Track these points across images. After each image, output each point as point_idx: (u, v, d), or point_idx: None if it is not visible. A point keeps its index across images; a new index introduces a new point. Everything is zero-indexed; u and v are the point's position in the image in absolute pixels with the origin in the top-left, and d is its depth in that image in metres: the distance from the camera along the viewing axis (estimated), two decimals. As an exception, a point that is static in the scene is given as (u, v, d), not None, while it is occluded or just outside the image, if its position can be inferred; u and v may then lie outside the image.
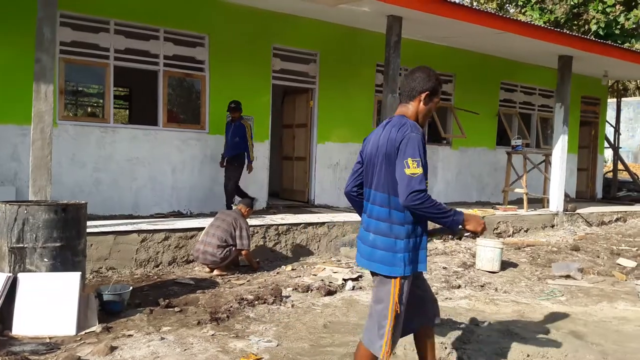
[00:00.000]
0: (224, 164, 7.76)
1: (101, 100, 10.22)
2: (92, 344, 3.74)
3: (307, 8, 8.11)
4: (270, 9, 8.38)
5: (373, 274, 2.80)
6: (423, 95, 2.74)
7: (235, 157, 7.69)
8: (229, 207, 7.28)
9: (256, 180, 8.57)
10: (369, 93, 9.75)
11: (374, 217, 2.71)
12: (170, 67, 7.87)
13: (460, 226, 2.61)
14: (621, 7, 14.55)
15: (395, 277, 2.64)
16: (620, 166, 15.72)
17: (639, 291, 5.51)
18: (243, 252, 6.05)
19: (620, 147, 16.78)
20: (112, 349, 3.63)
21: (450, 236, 2.42)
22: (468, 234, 2.74)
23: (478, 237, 2.70)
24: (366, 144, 2.86)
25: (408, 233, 2.64)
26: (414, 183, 2.48)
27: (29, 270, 4.15)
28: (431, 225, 2.69)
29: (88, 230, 4.81)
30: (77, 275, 4.14)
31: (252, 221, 6.85)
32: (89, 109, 15.25)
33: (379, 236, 2.69)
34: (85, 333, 3.97)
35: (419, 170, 2.50)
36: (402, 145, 2.56)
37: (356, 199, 2.97)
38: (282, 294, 5.13)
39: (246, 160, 7.75)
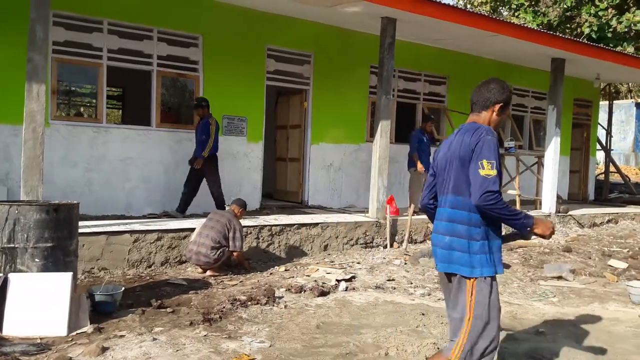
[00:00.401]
0: (193, 163, 7.40)
1: (94, 100, 10.18)
2: (84, 345, 3.72)
3: (301, 9, 8.12)
4: (264, 10, 8.38)
5: (449, 278, 2.81)
6: (497, 107, 2.83)
7: (210, 158, 7.38)
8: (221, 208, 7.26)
9: (250, 181, 8.56)
10: (363, 94, 9.77)
11: (450, 220, 2.77)
12: (164, 68, 7.85)
13: (529, 229, 2.68)
14: (613, 11, 14.66)
15: (474, 278, 2.69)
16: (612, 168, 15.83)
17: (630, 292, 5.55)
18: (235, 254, 6.04)
19: (612, 150, 16.90)
20: (104, 349, 3.61)
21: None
22: (537, 237, 2.81)
23: (547, 240, 2.84)
24: (437, 154, 2.96)
25: (484, 235, 2.70)
26: (487, 183, 2.57)
27: (20, 271, 4.12)
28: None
29: (80, 230, 4.79)
30: (68, 275, 4.11)
31: (245, 222, 6.84)
32: (82, 109, 15.18)
33: (455, 238, 2.74)
34: (77, 334, 3.94)
35: (493, 172, 2.59)
36: (477, 147, 2.65)
37: (432, 211, 3.03)
38: (275, 295, 5.12)
39: (195, 154, 7.36)
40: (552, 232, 2.73)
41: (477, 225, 2.70)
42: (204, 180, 7.50)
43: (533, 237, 2.78)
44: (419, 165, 8.80)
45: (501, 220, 2.69)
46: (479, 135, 2.67)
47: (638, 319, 4.98)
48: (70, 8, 7.05)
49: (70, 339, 3.85)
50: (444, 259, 2.78)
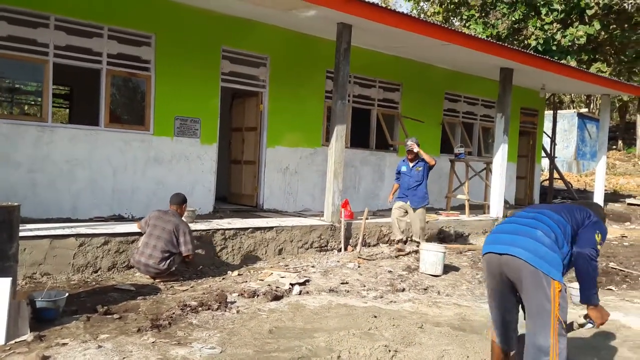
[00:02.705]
0: None
1: (39, 99, 9.73)
2: (23, 354, 3.54)
3: (257, 12, 8.07)
4: (220, 11, 8.28)
5: (513, 276, 2.98)
6: None
7: None
8: None
9: (203, 183, 8.41)
10: (319, 99, 9.80)
11: (548, 226, 3.04)
12: (114, 66, 7.61)
13: (590, 305, 3.02)
14: (558, 25, 15.35)
15: (555, 280, 2.88)
16: (555, 175, 16.55)
17: (572, 294, 5.79)
18: (190, 257, 5.90)
19: (556, 157, 17.69)
20: (45, 358, 3.45)
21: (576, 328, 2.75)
22: (588, 321, 3.07)
23: (595, 327, 3.17)
24: None
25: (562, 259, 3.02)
26: (596, 246, 3.03)
27: (-46, 276, 3.88)
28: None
29: (21, 233, 4.56)
30: (6, 281, 3.91)
31: (197, 225, 6.72)
32: (26, 107, 14.53)
33: (545, 236, 2.97)
34: (16, 342, 3.75)
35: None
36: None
37: None
38: (228, 300, 5.04)
39: None
40: (603, 322, 3.07)
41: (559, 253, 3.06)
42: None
43: (587, 320, 3.09)
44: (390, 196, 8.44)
45: (584, 277, 3.02)
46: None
47: (579, 319, 5.20)
48: (13, 1, 6.74)
49: (8, 348, 3.65)
50: (530, 249, 3.04)
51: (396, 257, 7.69)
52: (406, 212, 7.99)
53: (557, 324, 2.87)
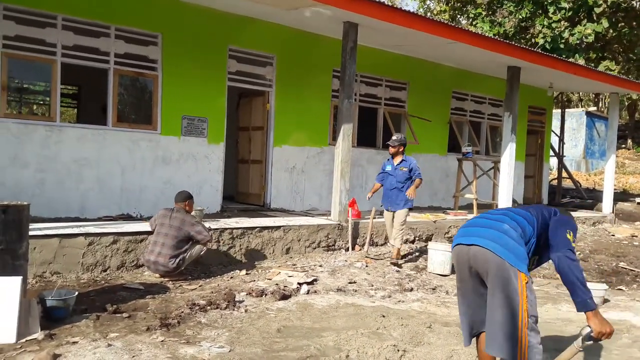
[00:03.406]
0: None
1: (48, 98, 9.79)
2: (34, 352, 3.56)
3: (264, 10, 8.07)
4: (226, 10, 8.28)
5: (480, 267, 2.95)
6: None
7: None
8: None
9: (211, 183, 8.43)
10: (325, 98, 9.79)
11: (514, 220, 3.03)
12: (121, 66, 7.64)
13: (588, 311, 2.79)
14: (566, 23, 15.25)
15: (522, 272, 2.84)
16: (564, 174, 16.44)
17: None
18: (209, 243, 5.98)
19: (565, 156, 17.58)
20: (55, 356, 3.46)
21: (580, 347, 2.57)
22: (590, 333, 2.78)
23: (597, 341, 2.86)
24: None
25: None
26: (572, 246, 2.94)
27: (-35, 275, 3.90)
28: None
29: (31, 232, 4.59)
30: (17, 280, 3.93)
31: (206, 224, 6.72)
32: (35, 107, 14.62)
33: (512, 229, 2.96)
34: (26, 340, 3.77)
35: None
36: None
37: None
38: (236, 299, 5.05)
39: None
40: (608, 336, 2.78)
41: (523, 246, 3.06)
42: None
43: (589, 331, 2.80)
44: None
45: (570, 281, 2.86)
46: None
47: (584, 329, 5.16)
48: (21, 2, 6.77)
49: (19, 346, 3.67)
50: (494, 239, 3.04)
51: (348, 278, 6.47)
52: (393, 216, 7.38)
53: (527, 317, 2.81)
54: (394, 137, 7.44)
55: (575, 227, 3.07)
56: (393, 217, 7.32)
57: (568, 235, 2.95)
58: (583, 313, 2.82)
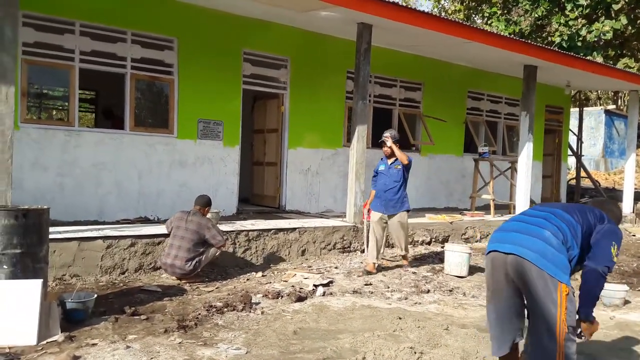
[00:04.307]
0: None
1: (66, 103, 9.95)
2: (54, 354, 3.61)
3: (277, 13, 8.11)
4: (240, 14, 8.33)
5: (517, 277, 2.88)
6: None
7: None
8: None
9: (226, 185, 8.48)
10: (339, 99, 9.79)
11: (556, 226, 2.92)
12: (138, 70, 7.73)
13: (587, 321, 2.95)
14: (583, 21, 15.04)
15: (562, 283, 2.79)
16: (582, 173, 16.22)
17: (602, 295, 5.65)
18: (223, 247, 6.02)
19: (583, 155, 17.32)
20: (75, 358, 3.51)
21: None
22: (582, 335, 2.99)
23: (584, 339, 3.09)
24: None
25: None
26: (612, 260, 2.93)
27: (-13, 278, 3.98)
28: None
29: (51, 236, 4.66)
30: (38, 282, 3.99)
31: (221, 227, 6.76)
32: (54, 112, 14.85)
33: (554, 237, 2.85)
34: (47, 342, 3.83)
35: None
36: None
37: None
38: (252, 301, 5.07)
39: None
40: (591, 333, 3.01)
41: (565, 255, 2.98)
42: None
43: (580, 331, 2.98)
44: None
45: (588, 290, 2.94)
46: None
47: (610, 321, 5.09)
48: (40, 8, 6.89)
49: (40, 348, 3.73)
50: (535, 249, 2.97)
51: (364, 279, 6.32)
52: (386, 222, 6.79)
53: (565, 328, 2.76)
54: (386, 134, 6.80)
55: (621, 237, 3.01)
56: (386, 222, 6.76)
57: (612, 249, 2.89)
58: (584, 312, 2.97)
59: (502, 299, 2.99)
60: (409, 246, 7.16)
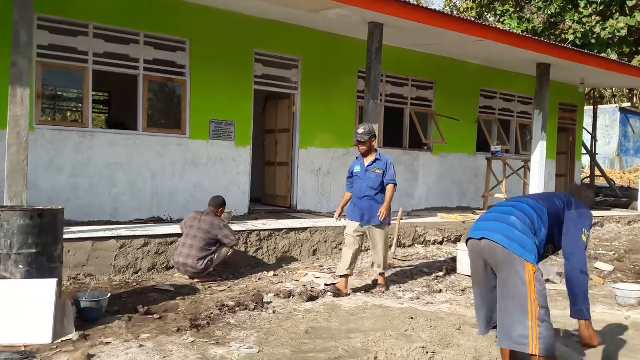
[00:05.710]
0: None
1: (80, 105, 10.08)
2: (69, 352, 3.66)
3: (289, 14, 8.12)
4: (252, 14, 8.37)
5: (491, 260, 3.02)
6: None
7: None
8: None
9: (238, 185, 8.52)
10: (350, 99, 9.78)
11: (522, 211, 3.06)
12: (151, 72, 7.80)
13: (581, 320, 2.96)
14: (597, 18, 14.87)
15: (529, 262, 2.88)
16: (597, 172, 16.02)
17: (617, 294, 5.60)
18: (235, 247, 6.06)
19: (597, 154, 17.13)
20: (90, 357, 3.55)
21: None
22: (576, 341, 3.02)
23: (584, 348, 3.12)
24: None
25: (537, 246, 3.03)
26: (585, 250, 3.04)
27: (3, 277, 4.04)
28: None
29: (65, 236, 4.72)
30: (53, 282, 4.05)
31: (233, 227, 6.80)
32: (68, 114, 15.03)
33: (519, 221, 3.01)
34: (62, 341, 3.88)
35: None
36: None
37: None
38: (264, 300, 5.09)
39: None
40: (593, 345, 3.01)
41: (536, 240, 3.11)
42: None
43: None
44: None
45: (573, 287, 3.01)
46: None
47: (625, 321, 5.03)
48: (54, 11, 6.98)
49: (55, 347, 3.78)
50: (503, 232, 3.12)
51: (334, 294, 5.44)
52: (363, 234, 5.66)
53: (537, 308, 2.84)
54: (360, 130, 5.59)
55: (591, 223, 3.13)
56: (363, 234, 5.65)
57: (583, 237, 3.03)
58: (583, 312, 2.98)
59: (482, 282, 3.20)
60: (388, 263, 6.10)
